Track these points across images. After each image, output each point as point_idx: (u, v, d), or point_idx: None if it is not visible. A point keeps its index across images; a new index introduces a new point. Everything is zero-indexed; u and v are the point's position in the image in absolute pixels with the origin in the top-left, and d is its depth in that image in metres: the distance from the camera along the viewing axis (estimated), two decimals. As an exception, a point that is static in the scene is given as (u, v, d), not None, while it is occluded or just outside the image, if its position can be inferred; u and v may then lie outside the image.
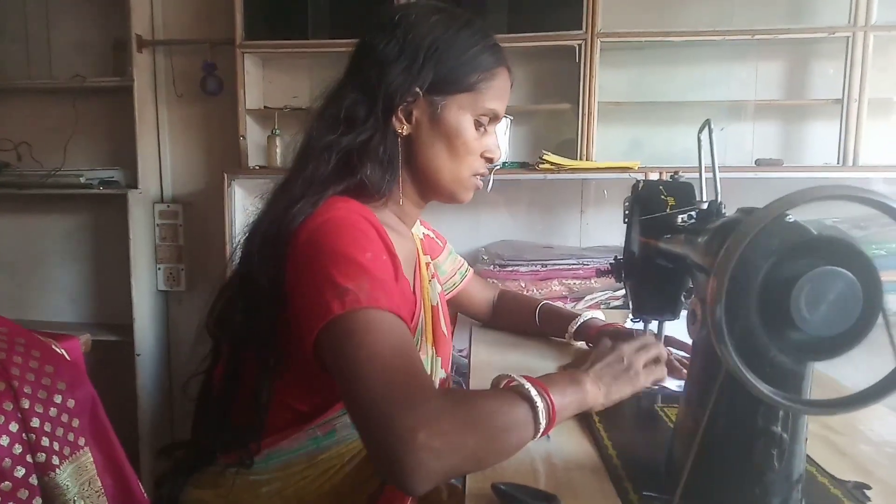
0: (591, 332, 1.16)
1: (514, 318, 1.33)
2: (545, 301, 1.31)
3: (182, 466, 0.91)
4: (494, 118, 0.91)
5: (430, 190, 0.93)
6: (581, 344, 1.20)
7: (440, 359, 0.95)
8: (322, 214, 0.78)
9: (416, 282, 0.94)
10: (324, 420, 0.84)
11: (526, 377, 0.69)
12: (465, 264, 1.30)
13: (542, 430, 0.67)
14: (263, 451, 0.84)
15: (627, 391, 0.78)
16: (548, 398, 0.68)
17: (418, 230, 1.09)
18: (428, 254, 1.07)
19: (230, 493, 0.85)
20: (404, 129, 0.87)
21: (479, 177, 0.94)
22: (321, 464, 0.85)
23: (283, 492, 0.85)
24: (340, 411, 0.83)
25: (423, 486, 0.59)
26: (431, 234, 1.17)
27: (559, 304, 2.13)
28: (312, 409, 0.84)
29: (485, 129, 0.91)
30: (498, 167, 2.18)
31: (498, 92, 0.89)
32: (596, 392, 0.75)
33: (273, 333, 0.80)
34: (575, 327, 1.18)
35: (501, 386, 0.70)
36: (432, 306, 0.97)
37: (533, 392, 0.67)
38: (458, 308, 1.35)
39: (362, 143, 0.84)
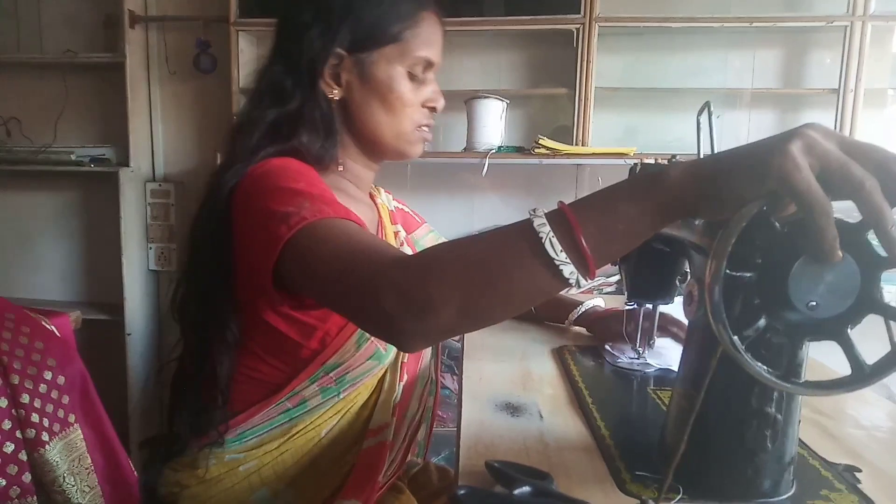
0: (591, 318, 1.15)
1: None
2: None
3: (159, 454, 0.91)
4: (429, 66, 0.89)
5: (375, 150, 0.92)
6: (581, 330, 1.19)
7: None
8: (254, 170, 0.77)
9: None
10: (292, 391, 0.83)
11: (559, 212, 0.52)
12: None
13: (564, 266, 0.50)
14: (236, 429, 0.84)
15: (737, 189, 0.47)
16: (568, 219, 0.50)
17: (388, 202, 1.08)
18: (399, 224, 1.06)
19: (208, 474, 0.85)
20: (335, 94, 0.85)
21: (424, 128, 0.91)
22: (297, 438, 0.85)
23: (260, 470, 0.85)
24: (308, 380, 0.83)
25: (413, 345, 0.56)
26: (407, 210, 1.15)
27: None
28: (280, 379, 0.84)
29: (421, 79, 0.88)
30: (493, 151, 2.18)
31: (426, 38, 0.87)
32: (678, 182, 0.49)
33: (227, 308, 0.80)
34: (576, 316, 1.17)
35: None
36: None
37: (537, 218, 0.51)
38: None
39: (291, 113, 0.83)
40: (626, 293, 0.98)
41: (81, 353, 1.12)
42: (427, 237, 1.18)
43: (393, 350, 0.88)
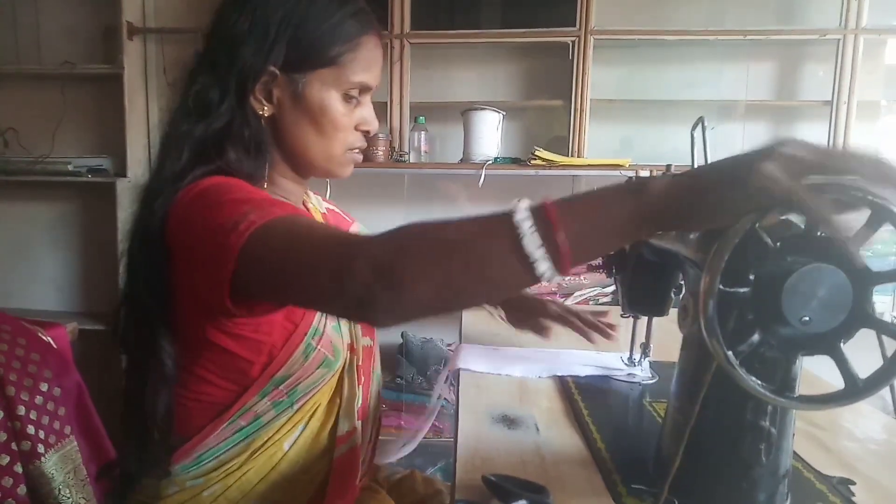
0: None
1: None
2: None
3: (116, 486, 0.90)
4: (365, 89, 0.86)
5: (303, 168, 0.89)
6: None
7: (360, 326, 0.92)
8: (190, 190, 0.74)
9: None
10: (242, 407, 0.82)
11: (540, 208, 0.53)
12: None
13: (539, 260, 0.50)
14: (191, 453, 0.83)
15: (715, 203, 0.48)
16: (545, 216, 0.51)
17: (319, 205, 1.06)
18: (332, 224, 1.04)
19: (172, 503, 0.83)
20: (265, 111, 0.82)
21: (356, 150, 0.89)
22: (259, 455, 0.84)
23: (226, 492, 0.83)
24: (258, 395, 0.81)
25: (385, 318, 0.55)
26: (337, 210, 1.13)
27: (548, 299, 2.14)
28: (229, 399, 0.82)
29: (357, 101, 0.86)
30: (490, 162, 2.19)
31: (364, 63, 0.84)
32: (659, 193, 0.50)
33: (164, 336, 0.78)
34: None
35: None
36: None
37: (519, 212, 0.52)
38: None
39: (219, 130, 0.79)
40: (621, 304, 0.99)
41: (78, 365, 1.11)
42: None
43: (342, 355, 0.87)
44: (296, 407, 0.84)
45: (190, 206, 0.73)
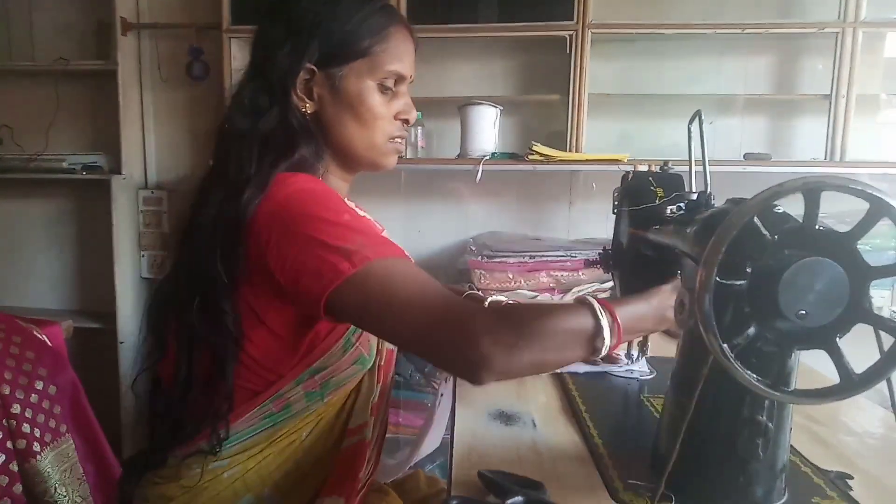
0: None
1: None
2: (470, 291, 1.27)
3: (136, 469, 0.90)
4: (400, 79, 0.91)
5: (349, 162, 0.94)
6: None
7: None
8: (278, 193, 0.78)
9: None
10: (276, 394, 0.83)
11: (605, 305, 0.70)
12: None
13: (607, 345, 0.67)
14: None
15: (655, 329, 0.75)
16: (610, 314, 0.68)
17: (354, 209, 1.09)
18: None
19: (192, 482, 0.84)
20: (308, 107, 0.87)
21: (397, 139, 0.93)
22: (280, 441, 0.86)
23: (245, 475, 0.85)
24: (293, 382, 0.83)
25: (488, 379, 0.64)
26: (368, 216, 1.16)
27: (547, 295, 2.14)
28: (263, 385, 0.84)
29: (393, 92, 0.90)
30: (487, 158, 2.18)
31: (395, 52, 0.89)
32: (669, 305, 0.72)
33: (229, 321, 0.80)
34: None
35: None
36: None
37: (597, 307, 0.68)
38: None
39: (277, 128, 0.85)
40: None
41: (73, 362, 1.11)
42: None
43: (374, 355, 0.89)
44: (325, 400, 0.86)
45: (287, 207, 0.77)
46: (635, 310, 0.72)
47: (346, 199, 1.01)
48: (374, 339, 0.89)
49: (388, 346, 0.94)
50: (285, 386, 0.83)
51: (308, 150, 0.87)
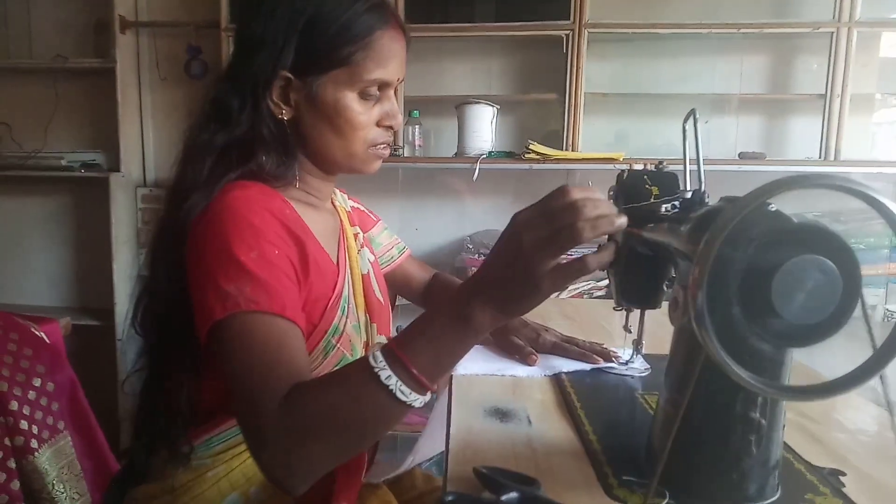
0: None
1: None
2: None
3: (121, 474, 0.91)
4: (385, 85, 0.85)
5: (329, 167, 0.90)
6: None
7: (375, 325, 0.94)
8: (214, 206, 0.76)
9: (339, 252, 0.92)
10: None
11: (390, 342, 0.64)
12: (402, 243, 1.26)
13: (413, 401, 0.62)
14: (203, 437, 0.84)
15: (527, 307, 0.61)
16: (405, 366, 0.61)
17: (345, 203, 1.07)
18: (357, 225, 1.05)
19: (175, 482, 0.84)
20: (284, 113, 0.83)
21: (381, 146, 0.89)
22: None
23: (229, 474, 0.84)
24: None
25: (295, 489, 0.64)
26: (362, 208, 1.14)
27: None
28: None
29: (377, 98, 0.85)
30: (484, 156, 2.19)
31: (379, 59, 0.82)
32: (483, 320, 0.61)
33: (185, 334, 0.79)
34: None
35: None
36: (362, 275, 0.96)
37: (382, 375, 0.61)
38: (395, 288, 1.26)
39: (240, 135, 0.81)
40: (613, 297, 0.99)
41: (71, 360, 1.11)
42: (382, 234, 1.18)
43: (359, 354, 0.88)
44: None
45: (214, 224, 0.75)
46: (427, 344, 0.63)
47: (344, 198, 1.01)
48: (356, 339, 0.87)
49: (379, 341, 0.94)
50: None
51: (274, 157, 0.84)
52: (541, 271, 0.59)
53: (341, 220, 0.99)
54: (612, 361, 1.03)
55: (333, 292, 0.84)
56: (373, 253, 1.04)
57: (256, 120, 0.82)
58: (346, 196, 1.09)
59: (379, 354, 0.62)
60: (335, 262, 0.89)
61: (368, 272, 0.97)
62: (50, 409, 1.02)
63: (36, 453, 0.97)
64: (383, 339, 0.96)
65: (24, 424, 0.97)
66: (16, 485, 0.94)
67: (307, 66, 0.81)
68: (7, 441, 0.95)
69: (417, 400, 0.62)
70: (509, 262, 0.60)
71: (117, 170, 2.42)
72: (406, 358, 0.62)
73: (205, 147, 0.81)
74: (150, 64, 2.53)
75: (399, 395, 0.61)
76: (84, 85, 2.53)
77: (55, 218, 2.65)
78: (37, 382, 1.01)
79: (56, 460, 1.00)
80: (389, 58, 0.84)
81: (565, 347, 1.05)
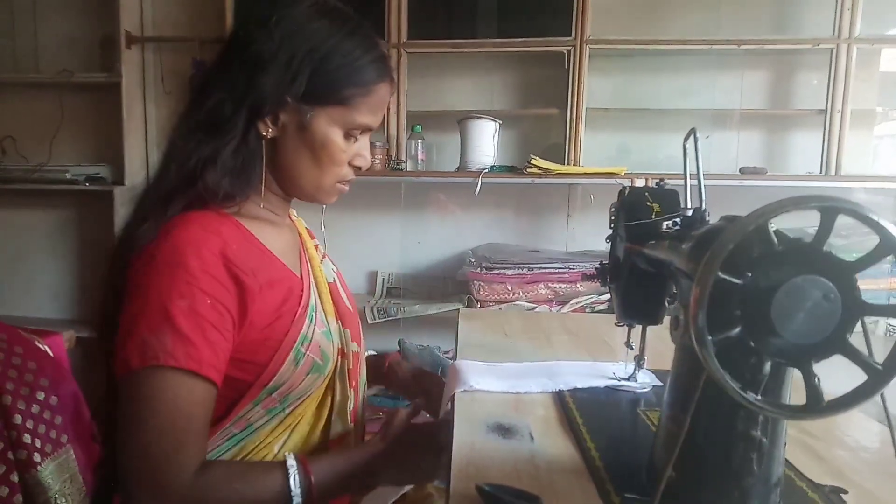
0: (400, 375, 1.17)
1: None
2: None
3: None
4: (367, 129, 0.89)
5: (291, 190, 0.91)
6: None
7: (348, 331, 0.94)
8: (157, 244, 0.77)
9: (302, 265, 0.93)
10: (236, 417, 0.83)
11: (302, 462, 0.77)
12: None
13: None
14: None
15: (416, 483, 0.91)
16: (309, 485, 0.75)
17: (301, 220, 1.08)
18: (315, 239, 1.06)
19: None
20: (269, 133, 0.84)
21: (346, 182, 0.92)
22: (250, 458, 0.85)
23: None
24: (251, 404, 0.83)
25: None
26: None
27: (545, 307, 2.15)
28: (222, 406, 0.83)
29: (355, 139, 0.89)
30: (486, 171, 2.20)
31: (373, 107, 0.87)
32: (382, 480, 0.84)
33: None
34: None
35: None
36: (329, 283, 0.97)
37: (294, 484, 0.75)
38: None
39: (222, 151, 0.81)
40: (615, 313, 0.99)
41: (75, 373, 1.12)
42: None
43: (331, 360, 0.88)
44: (287, 411, 0.85)
45: (151, 265, 0.76)
46: (334, 474, 0.79)
47: (288, 214, 1.01)
48: (327, 344, 0.87)
49: (352, 348, 0.94)
50: (244, 408, 0.83)
51: (239, 174, 0.83)
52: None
53: (301, 235, 1.00)
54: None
55: (300, 304, 0.85)
56: (334, 264, 1.05)
57: (239, 135, 0.82)
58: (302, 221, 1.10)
59: (294, 468, 0.76)
60: (299, 275, 0.90)
61: (334, 280, 0.98)
62: (53, 423, 1.02)
63: (39, 467, 0.97)
64: (356, 347, 0.96)
65: (27, 438, 0.96)
66: (18, 499, 0.94)
67: (310, 96, 0.83)
68: (10, 455, 0.95)
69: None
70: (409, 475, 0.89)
71: (122, 183, 2.43)
72: (311, 472, 0.76)
73: (188, 155, 0.81)
74: (156, 78, 2.55)
75: (295, 489, 0.74)
76: (89, 99, 2.55)
77: (60, 231, 2.66)
78: (40, 396, 1.01)
79: (59, 474, 1.00)
80: (381, 107, 0.89)
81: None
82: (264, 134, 0.84)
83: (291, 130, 0.85)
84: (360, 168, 0.92)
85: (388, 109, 2.29)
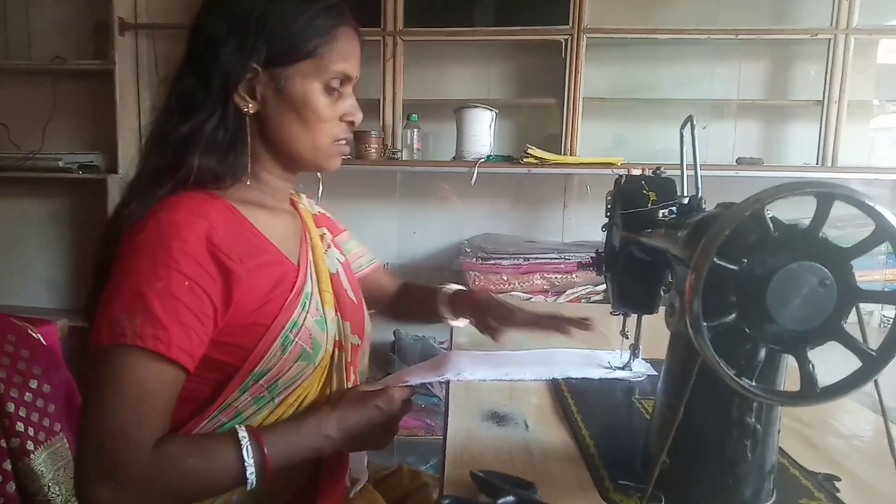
0: (470, 303, 1.13)
1: (413, 308, 1.27)
2: (445, 286, 1.22)
3: None
4: (347, 80, 0.89)
5: (291, 163, 0.91)
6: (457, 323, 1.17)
7: (348, 323, 0.93)
8: (146, 222, 0.77)
9: (302, 251, 0.92)
10: (223, 404, 0.82)
11: (253, 433, 0.76)
12: (371, 254, 1.25)
13: (250, 483, 0.74)
14: None
15: (368, 449, 0.89)
16: (262, 455, 0.75)
17: (310, 206, 1.07)
18: (324, 227, 1.05)
19: None
20: (250, 107, 0.84)
21: (342, 141, 0.91)
22: None
23: None
24: (238, 390, 0.82)
25: None
26: (329, 216, 1.14)
27: (540, 297, 2.15)
28: (209, 392, 0.82)
29: (339, 93, 0.88)
30: (482, 160, 2.19)
31: (342, 52, 0.87)
32: (334, 443, 0.82)
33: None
34: (446, 300, 1.16)
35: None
36: (331, 274, 0.96)
37: (246, 455, 0.74)
38: (367, 296, 1.18)
39: (200, 130, 0.82)
40: (611, 302, 0.99)
41: (68, 362, 1.11)
42: (349, 243, 1.17)
43: (322, 348, 0.87)
44: (277, 401, 0.84)
45: (139, 236, 0.76)
46: (286, 441, 0.78)
47: (291, 200, 1.01)
48: (319, 333, 0.87)
49: (352, 340, 0.93)
50: (231, 395, 0.82)
51: (226, 154, 0.84)
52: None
53: (304, 222, 0.99)
54: (590, 330, 1.01)
55: (292, 290, 0.85)
56: (343, 254, 1.04)
57: (218, 114, 0.83)
58: (312, 202, 1.09)
59: (246, 438, 0.75)
60: (296, 262, 0.89)
61: (338, 271, 0.97)
62: (46, 411, 1.02)
63: (32, 455, 0.97)
64: (357, 340, 0.95)
65: (20, 426, 0.96)
66: (11, 487, 0.94)
67: (276, 58, 0.83)
68: (3, 443, 0.95)
69: (250, 483, 0.75)
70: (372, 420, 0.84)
71: (115, 171, 2.41)
72: (263, 442, 0.76)
73: (167, 138, 0.82)
74: (149, 66, 2.53)
75: (248, 473, 0.74)
76: (82, 86, 2.53)
77: (53, 219, 2.65)
78: (33, 384, 1.01)
79: (52, 462, 1.00)
80: (350, 52, 0.88)
81: (538, 322, 1.04)
82: (245, 110, 0.84)
83: (271, 99, 0.85)
84: (353, 124, 0.91)
85: (384, 97, 2.28)
